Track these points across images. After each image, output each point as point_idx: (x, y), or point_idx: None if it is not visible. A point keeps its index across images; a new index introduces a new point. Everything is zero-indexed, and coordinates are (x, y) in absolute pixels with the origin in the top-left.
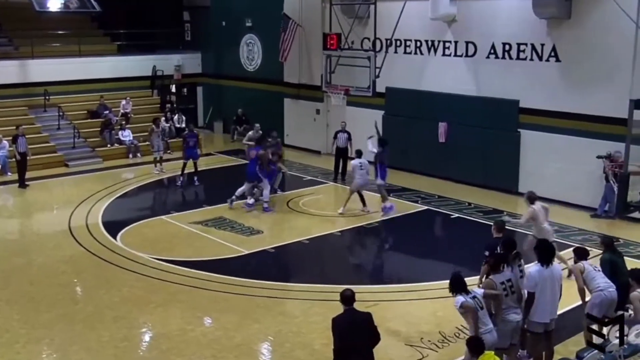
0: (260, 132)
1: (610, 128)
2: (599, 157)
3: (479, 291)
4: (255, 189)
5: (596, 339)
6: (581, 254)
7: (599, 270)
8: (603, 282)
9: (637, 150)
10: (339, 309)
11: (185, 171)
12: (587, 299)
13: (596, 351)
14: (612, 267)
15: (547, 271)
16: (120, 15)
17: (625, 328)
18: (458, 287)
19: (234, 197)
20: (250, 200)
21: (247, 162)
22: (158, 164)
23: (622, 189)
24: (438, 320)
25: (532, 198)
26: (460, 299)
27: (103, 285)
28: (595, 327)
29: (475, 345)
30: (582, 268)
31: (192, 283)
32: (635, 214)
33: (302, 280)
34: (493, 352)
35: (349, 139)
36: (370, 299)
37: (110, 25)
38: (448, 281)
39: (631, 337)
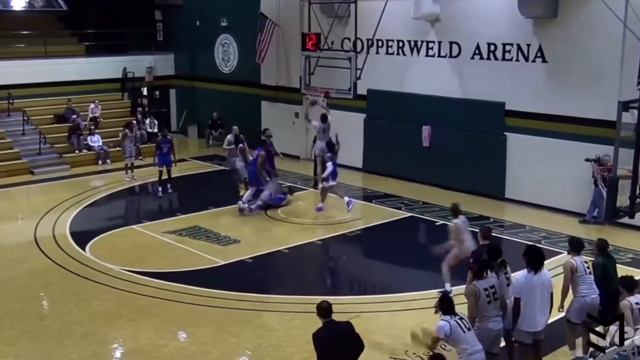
0: (240, 135)
1: (599, 131)
2: (587, 160)
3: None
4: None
5: (595, 339)
6: (576, 246)
7: (590, 274)
8: (587, 289)
9: (626, 154)
10: (319, 321)
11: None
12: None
13: None
14: (603, 272)
15: (535, 277)
16: (89, 14)
17: (631, 330)
18: (447, 309)
19: (245, 204)
20: (245, 205)
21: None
22: (129, 171)
23: (611, 193)
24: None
25: (457, 210)
26: (444, 328)
27: (71, 299)
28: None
29: None
30: (575, 267)
31: (166, 296)
32: (625, 220)
33: (281, 292)
34: None
35: None
36: (352, 310)
37: (78, 25)
38: (438, 298)
39: (637, 339)
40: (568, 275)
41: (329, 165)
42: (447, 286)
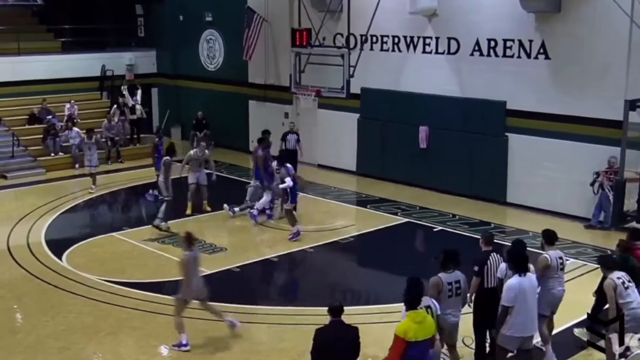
0: (206, 151)
1: (605, 131)
2: (596, 173)
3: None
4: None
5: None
6: (549, 238)
7: (562, 269)
8: (554, 283)
9: (633, 155)
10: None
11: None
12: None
13: None
14: None
15: (525, 280)
16: (65, 8)
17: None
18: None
19: (270, 213)
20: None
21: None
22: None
23: (618, 197)
24: None
25: (190, 240)
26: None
27: (46, 312)
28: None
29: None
30: (549, 264)
31: (147, 307)
32: (633, 224)
33: (270, 303)
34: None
35: (299, 140)
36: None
37: (53, 20)
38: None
39: (633, 344)
40: (541, 270)
41: (288, 180)
42: (183, 338)
